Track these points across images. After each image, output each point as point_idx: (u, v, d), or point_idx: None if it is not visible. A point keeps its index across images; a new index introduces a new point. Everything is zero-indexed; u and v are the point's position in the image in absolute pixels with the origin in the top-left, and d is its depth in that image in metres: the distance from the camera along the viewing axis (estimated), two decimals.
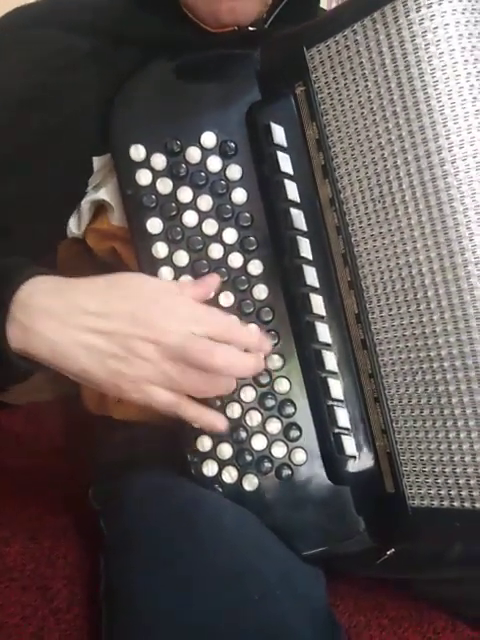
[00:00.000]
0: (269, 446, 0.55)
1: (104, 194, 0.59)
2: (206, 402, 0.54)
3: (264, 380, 0.55)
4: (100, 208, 0.62)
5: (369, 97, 0.49)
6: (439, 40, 0.46)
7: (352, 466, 0.54)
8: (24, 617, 0.52)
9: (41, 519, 0.62)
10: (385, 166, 0.50)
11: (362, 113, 0.50)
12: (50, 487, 0.67)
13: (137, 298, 0.48)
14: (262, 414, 0.55)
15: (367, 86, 0.49)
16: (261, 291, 0.55)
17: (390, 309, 0.52)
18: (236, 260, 0.55)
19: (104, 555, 0.56)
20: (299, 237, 0.53)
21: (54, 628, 0.53)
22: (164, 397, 0.48)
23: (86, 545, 0.60)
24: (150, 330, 0.47)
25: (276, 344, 0.55)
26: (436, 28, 0.46)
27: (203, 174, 0.55)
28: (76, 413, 0.71)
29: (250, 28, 0.59)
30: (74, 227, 0.62)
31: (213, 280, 0.54)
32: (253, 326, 0.54)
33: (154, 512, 0.53)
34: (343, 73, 0.50)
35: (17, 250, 0.54)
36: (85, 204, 0.60)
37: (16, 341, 0.47)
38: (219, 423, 0.52)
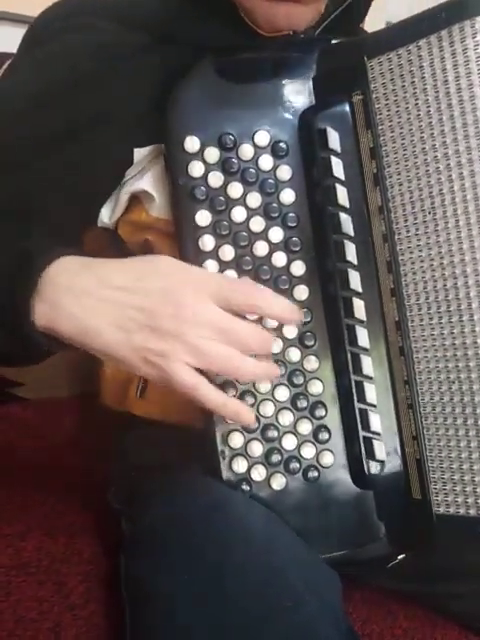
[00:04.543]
0: (299, 447, 0.55)
1: (146, 184, 0.58)
2: (241, 399, 0.54)
3: (298, 381, 0.55)
4: (134, 200, 0.61)
5: (428, 111, 0.51)
6: None
7: (380, 471, 0.55)
8: (41, 612, 0.51)
9: (57, 515, 0.60)
10: (439, 179, 0.51)
11: (419, 126, 0.51)
12: (66, 484, 0.66)
13: (168, 275, 0.48)
14: (294, 414, 0.55)
15: (426, 100, 0.51)
16: (302, 292, 0.56)
17: (430, 318, 0.53)
18: (280, 259, 0.55)
19: (125, 555, 0.54)
20: (346, 241, 0.54)
21: (71, 624, 0.51)
22: (187, 376, 0.47)
23: (101, 543, 0.59)
24: (181, 309, 0.46)
25: (312, 345, 0.56)
26: None
27: (254, 171, 0.55)
28: (92, 410, 0.69)
29: (301, 35, 0.60)
30: (106, 217, 0.61)
31: None
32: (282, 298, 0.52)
33: (180, 513, 0.52)
34: (403, 86, 0.52)
35: (49, 234, 0.53)
36: (124, 194, 0.60)
37: (43, 317, 0.47)
38: (246, 415, 0.50)
